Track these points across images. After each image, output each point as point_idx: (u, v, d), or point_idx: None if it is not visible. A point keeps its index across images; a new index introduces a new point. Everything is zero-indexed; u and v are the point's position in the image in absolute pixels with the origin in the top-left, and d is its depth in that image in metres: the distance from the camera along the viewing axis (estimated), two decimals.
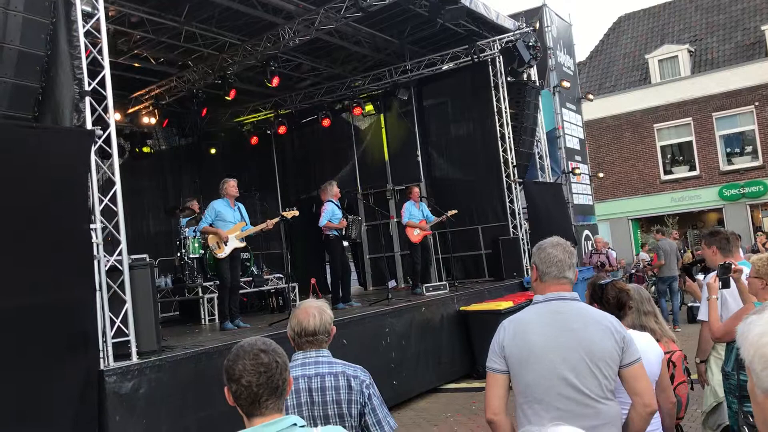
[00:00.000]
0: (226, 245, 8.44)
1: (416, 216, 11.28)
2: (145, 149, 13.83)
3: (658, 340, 3.48)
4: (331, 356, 2.96)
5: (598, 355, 2.70)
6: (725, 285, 4.12)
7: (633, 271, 18.99)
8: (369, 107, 15.10)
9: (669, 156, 26.17)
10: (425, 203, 11.80)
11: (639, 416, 2.75)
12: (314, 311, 2.95)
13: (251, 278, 11.06)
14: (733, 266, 4.13)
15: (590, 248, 15.06)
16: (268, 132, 16.19)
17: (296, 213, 9.18)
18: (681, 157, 25.99)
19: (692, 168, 25.43)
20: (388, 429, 2.89)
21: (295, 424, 2.03)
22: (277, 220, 9.13)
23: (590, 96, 19.22)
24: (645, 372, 2.80)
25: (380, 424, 2.88)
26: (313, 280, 13.81)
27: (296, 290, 11.48)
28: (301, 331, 2.92)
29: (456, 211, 11.59)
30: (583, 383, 2.68)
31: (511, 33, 12.90)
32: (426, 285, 11.05)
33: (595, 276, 3.82)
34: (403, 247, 13.67)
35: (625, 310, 3.32)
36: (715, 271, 4.33)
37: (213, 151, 15.87)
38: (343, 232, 9.97)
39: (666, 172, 26.01)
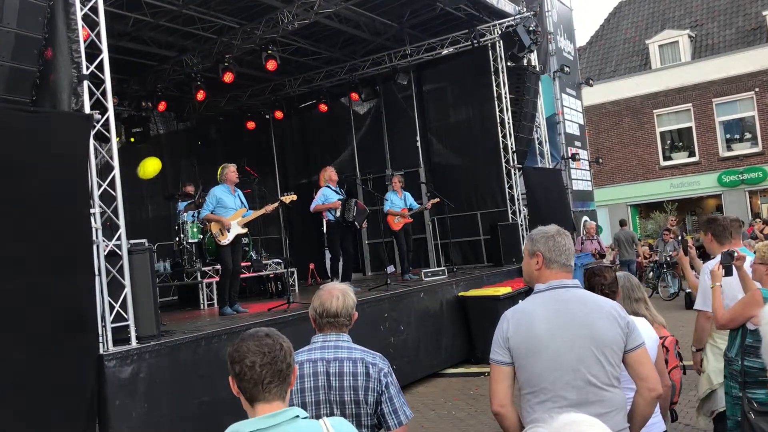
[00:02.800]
0: (228, 232, 8.44)
1: (397, 204, 11.39)
2: (134, 131, 13.67)
3: None
4: (351, 341, 2.95)
5: (604, 342, 2.69)
6: (728, 273, 4.12)
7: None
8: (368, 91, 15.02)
9: (668, 142, 26.16)
10: (420, 189, 11.84)
11: (645, 401, 2.74)
12: (338, 293, 2.94)
13: (250, 263, 11.06)
14: (736, 253, 4.13)
15: (582, 235, 15.12)
16: (267, 116, 16.13)
17: (294, 197, 9.17)
18: (680, 143, 25.97)
19: (692, 154, 25.42)
20: (404, 418, 2.86)
21: (297, 416, 2.03)
22: (276, 205, 9.11)
23: (590, 81, 19.14)
24: (649, 356, 2.79)
25: (396, 413, 2.85)
26: (311, 265, 13.85)
27: (295, 275, 11.49)
28: (324, 311, 2.92)
29: (438, 200, 11.68)
30: (590, 371, 2.66)
31: (512, 17, 12.82)
32: (425, 270, 11.07)
33: (595, 262, 3.91)
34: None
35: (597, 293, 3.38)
36: (719, 259, 4.33)
37: (211, 135, 15.81)
38: (336, 213, 9.97)
39: (665, 158, 26.01)
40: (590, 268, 3.52)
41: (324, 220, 10.18)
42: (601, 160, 21.24)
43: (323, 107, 14.92)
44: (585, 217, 17.07)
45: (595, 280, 3.42)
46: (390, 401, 2.84)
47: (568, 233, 2.95)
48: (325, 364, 2.85)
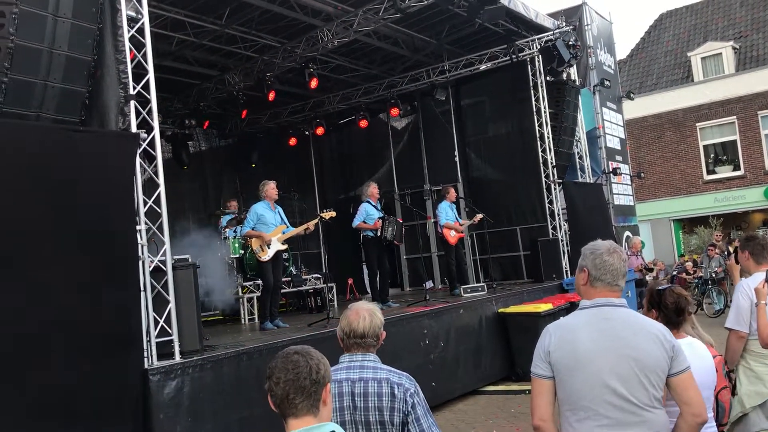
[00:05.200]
0: (269, 248, 8.54)
1: (451, 217, 11.27)
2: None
3: None
4: (379, 361, 2.92)
5: (647, 364, 2.65)
6: None
7: (675, 273, 18.70)
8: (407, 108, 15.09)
9: (712, 155, 25.62)
10: (459, 205, 11.77)
11: (688, 426, 2.70)
12: (365, 313, 2.92)
13: (290, 278, 11.15)
14: None
15: (627, 250, 14.86)
16: (307, 133, 16.31)
17: (333, 214, 9.23)
18: (725, 157, 25.42)
19: (736, 168, 24.87)
20: None
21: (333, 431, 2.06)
22: (316, 221, 9.18)
23: (631, 95, 18.90)
24: (694, 381, 2.73)
25: None
26: (350, 280, 13.89)
27: (334, 290, 11.54)
28: (350, 332, 2.90)
29: (480, 216, 11.57)
30: (630, 392, 2.63)
31: (551, 32, 12.77)
32: (464, 286, 11.01)
33: (654, 282, 3.78)
34: (440, 247, 13.63)
35: (684, 315, 3.26)
36: (758, 277, 4.24)
37: (253, 152, 16.05)
38: (378, 233, 9.97)
39: (709, 172, 25.48)
40: (666, 287, 3.37)
41: (361, 236, 10.22)
42: (642, 175, 20.90)
43: (363, 123, 15.00)
44: (627, 233, 16.82)
45: (680, 299, 3.28)
46: (417, 422, 2.79)
47: (622, 252, 2.86)
48: (350, 384, 2.83)
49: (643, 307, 3.50)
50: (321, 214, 9.21)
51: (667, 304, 3.27)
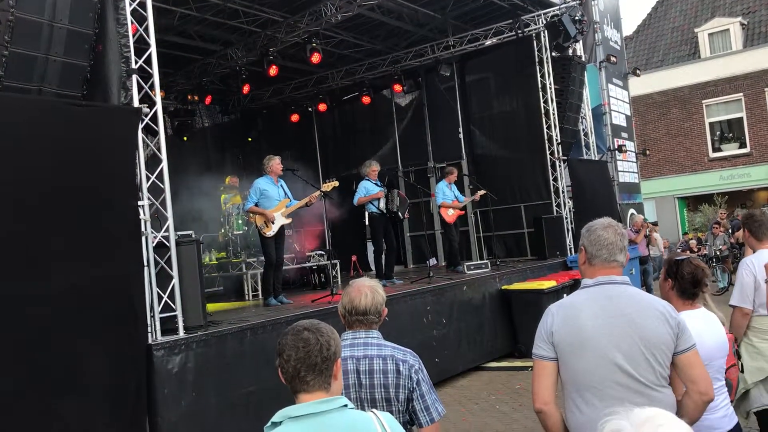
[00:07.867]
0: (273, 224, 8.50)
1: (449, 197, 11.29)
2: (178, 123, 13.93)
3: None
4: (382, 338, 2.92)
5: (652, 342, 2.60)
6: None
7: (679, 250, 18.67)
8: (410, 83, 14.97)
9: (718, 133, 25.47)
10: (462, 182, 11.75)
11: (694, 404, 2.65)
12: (367, 290, 2.90)
13: (293, 255, 11.14)
14: None
15: (630, 228, 14.82)
16: (310, 109, 16.21)
17: (336, 183, 9.10)
18: (731, 134, 25.27)
19: (742, 145, 24.73)
20: (436, 415, 2.82)
21: (345, 405, 2.07)
22: (318, 194, 9.10)
23: (637, 71, 18.73)
24: (700, 359, 2.69)
25: (428, 410, 2.81)
26: (354, 257, 13.90)
27: (337, 267, 11.54)
28: (352, 309, 2.88)
29: (484, 192, 11.52)
30: (637, 370, 2.59)
31: (557, 7, 12.60)
32: (467, 263, 11.01)
33: (673, 252, 3.75)
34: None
35: (700, 287, 3.22)
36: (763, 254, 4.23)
37: (255, 128, 15.98)
38: (378, 204, 9.96)
39: (715, 150, 25.35)
40: (684, 258, 3.33)
41: (366, 213, 10.19)
42: (648, 152, 20.79)
43: (366, 99, 14.90)
44: (632, 210, 16.76)
45: (696, 270, 3.23)
46: (421, 398, 2.81)
47: (618, 227, 2.80)
48: (355, 362, 2.82)
49: (643, 285, 3.49)
50: (323, 188, 9.08)
51: (683, 274, 3.22)
